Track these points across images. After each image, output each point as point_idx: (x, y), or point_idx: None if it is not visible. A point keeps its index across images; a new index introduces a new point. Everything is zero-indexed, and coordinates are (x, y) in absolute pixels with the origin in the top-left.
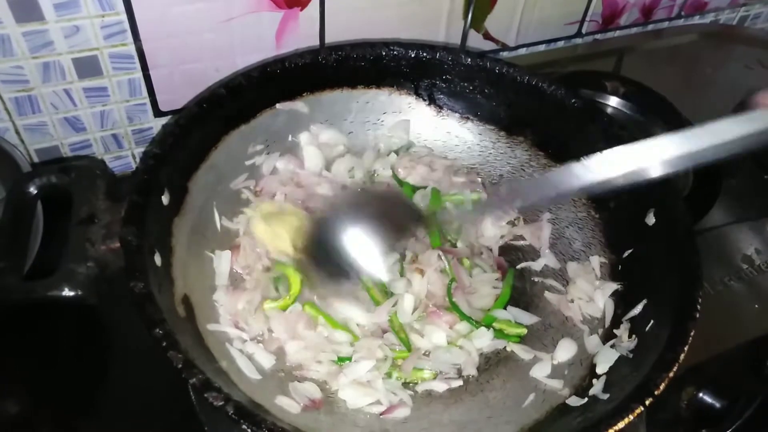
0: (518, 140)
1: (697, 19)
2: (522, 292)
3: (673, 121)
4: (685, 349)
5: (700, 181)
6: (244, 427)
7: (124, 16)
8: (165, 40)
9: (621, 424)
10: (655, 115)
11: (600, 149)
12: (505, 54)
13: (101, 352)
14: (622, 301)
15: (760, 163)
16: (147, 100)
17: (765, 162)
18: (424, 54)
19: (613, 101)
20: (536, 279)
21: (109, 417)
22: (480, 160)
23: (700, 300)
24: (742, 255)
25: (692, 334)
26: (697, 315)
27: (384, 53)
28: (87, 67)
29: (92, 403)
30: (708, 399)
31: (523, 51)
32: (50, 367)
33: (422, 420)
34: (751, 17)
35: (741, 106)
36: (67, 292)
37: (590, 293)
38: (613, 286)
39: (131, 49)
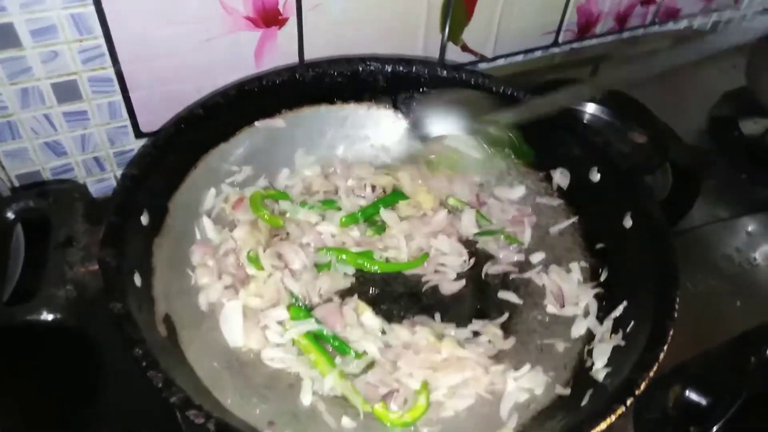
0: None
1: (671, 26)
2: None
3: (650, 125)
4: (665, 348)
5: (680, 183)
6: None
7: (102, 40)
8: (144, 62)
9: (603, 425)
10: (632, 120)
11: (576, 155)
12: (483, 65)
13: (89, 374)
14: (603, 304)
15: (737, 163)
16: (128, 122)
17: (742, 162)
18: (401, 68)
19: (590, 108)
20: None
21: None
22: None
23: (678, 299)
24: (722, 254)
25: (671, 333)
26: (676, 314)
27: (361, 68)
28: (66, 91)
29: (80, 424)
30: (694, 397)
31: (501, 62)
32: (37, 391)
33: None
34: (723, 23)
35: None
36: (46, 316)
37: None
38: (594, 290)
39: (110, 72)
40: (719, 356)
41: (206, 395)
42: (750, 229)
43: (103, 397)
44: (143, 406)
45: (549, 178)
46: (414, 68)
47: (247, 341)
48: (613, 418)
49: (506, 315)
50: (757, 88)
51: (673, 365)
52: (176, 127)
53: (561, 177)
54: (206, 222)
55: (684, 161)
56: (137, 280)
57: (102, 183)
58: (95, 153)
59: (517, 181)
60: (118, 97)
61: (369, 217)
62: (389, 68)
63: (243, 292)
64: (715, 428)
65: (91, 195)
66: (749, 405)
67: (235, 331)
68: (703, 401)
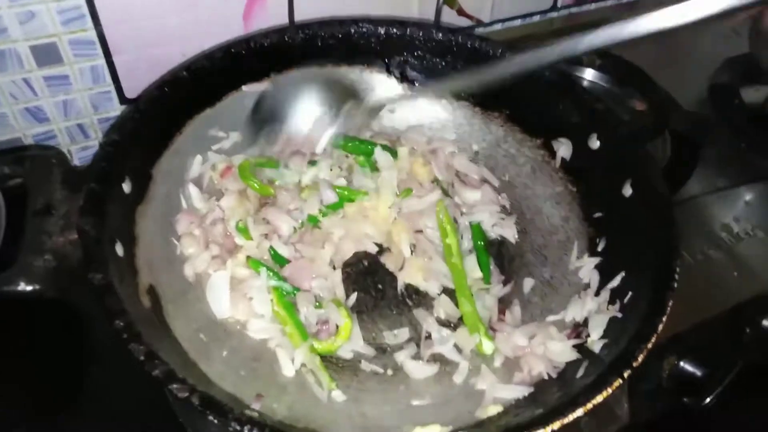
0: (493, 115)
1: None
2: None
3: (650, 92)
4: (663, 320)
5: (678, 152)
6: (210, 418)
7: (82, 0)
8: (127, 24)
9: (600, 398)
10: (631, 87)
11: (575, 122)
12: (480, 30)
13: (78, 347)
14: (601, 274)
15: (737, 131)
16: (112, 88)
17: (742, 130)
18: (395, 30)
19: (589, 74)
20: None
21: (87, 413)
22: (455, 137)
23: (677, 270)
24: (720, 224)
25: (670, 304)
26: (675, 285)
27: (353, 30)
28: (46, 54)
29: (70, 400)
30: (689, 368)
31: (498, 26)
32: (26, 365)
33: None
34: None
35: (718, 74)
36: (24, 287)
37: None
38: (593, 260)
39: (92, 34)
40: (714, 327)
41: (191, 368)
42: (748, 198)
43: (88, 371)
44: (132, 382)
45: (546, 146)
46: (408, 30)
47: (234, 312)
48: (609, 391)
49: (501, 286)
50: (762, 53)
51: (668, 336)
52: (160, 90)
53: (564, 149)
54: (192, 190)
55: (683, 129)
56: (119, 249)
57: (87, 151)
58: (79, 119)
59: (513, 150)
60: (101, 61)
61: (363, 154)
62: (382, 30)
63: (230, 261)
64: (708, 399)
65: (70, 161)
66: (743, 376)
67: (222, 303)
68: (698, 372)
